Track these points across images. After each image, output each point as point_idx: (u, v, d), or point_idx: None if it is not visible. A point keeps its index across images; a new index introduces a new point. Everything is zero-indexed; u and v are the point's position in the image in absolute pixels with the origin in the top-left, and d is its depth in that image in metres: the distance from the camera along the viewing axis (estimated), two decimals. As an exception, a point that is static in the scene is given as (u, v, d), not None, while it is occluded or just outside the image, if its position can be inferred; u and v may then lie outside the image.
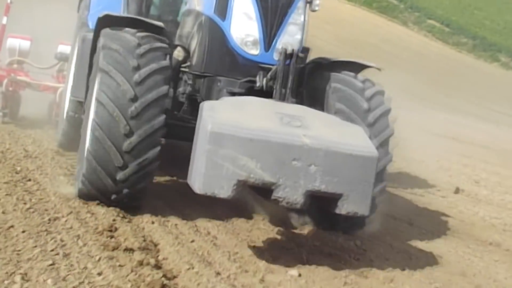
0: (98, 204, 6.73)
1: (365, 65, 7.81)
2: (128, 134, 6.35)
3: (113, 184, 6.49)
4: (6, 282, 4.56)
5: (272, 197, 5.59)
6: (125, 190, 6.54)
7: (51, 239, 5.57)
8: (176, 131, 7.01)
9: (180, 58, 7.47)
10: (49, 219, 6.13)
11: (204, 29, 7.28)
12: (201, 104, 5.95)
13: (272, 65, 6.85)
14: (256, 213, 7.53)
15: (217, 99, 6.69)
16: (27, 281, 4.63)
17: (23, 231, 5.66)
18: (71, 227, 6.00)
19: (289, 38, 7.01)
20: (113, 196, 6.59)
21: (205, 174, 5.47)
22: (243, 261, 5.97)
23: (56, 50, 11.98)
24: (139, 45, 6.63)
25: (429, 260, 7.02)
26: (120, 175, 6.43)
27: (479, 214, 10.25)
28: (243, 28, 7.02)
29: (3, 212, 6.16)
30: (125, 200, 6.62)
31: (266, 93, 6.71)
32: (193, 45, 7.47)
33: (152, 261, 5.37)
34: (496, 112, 33.49)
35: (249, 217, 7.41)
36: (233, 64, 7.12)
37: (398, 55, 41.05)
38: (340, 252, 6.67)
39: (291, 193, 5.56)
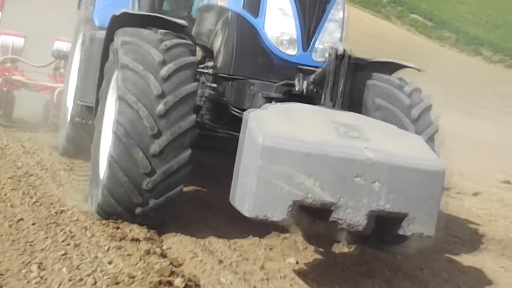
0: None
1: (404, 66, 7.31)
2: (156, 135, 5.74)
3: (138, 195, 5.85)
4: (23, 271, 4.82)
5: (331, 219, 5.00)
6: (152, 202, 5.92)
7: (61, 231, 5.83)
8: (197, 139, 6.08)
9: (198, 58, 6.68)
10: (56, 212, 6.39)
11: (231, 27, 6.59)
12: (245, 114, 5.36)
13: (311, 66, 6.34)
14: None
15: (250, 105, 6.29)
16: (43, 270, 4.89)
17: (33, 224, 5.92)
18: (77, 219, 6.25)
19: (328, 36, 6.44)
20: (138, 210, 5.96)
21: (256, 195, 4.85)
22: (243, 250, 6.25)
23: (52, 48, 11.36)
24: (162, 40, 6.10)
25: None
26: (146, 183, 5.80)
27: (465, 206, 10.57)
28: (279, 25, 6.39)
29: (11, 206, 6.42)
30: (151, 213, 6.00)
31: (305, 98, 6.22)
32: (217, 44, 6.79)
33: (158, 250, 5.63)
34: (479, 106, 33.93)
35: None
36: (268, 65, 6.47)
37: (381, 50, 41.32)
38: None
39: (353, 214, 4.97)
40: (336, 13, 6.50)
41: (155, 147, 5.75)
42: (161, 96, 5.77)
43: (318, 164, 4.90)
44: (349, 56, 5.98)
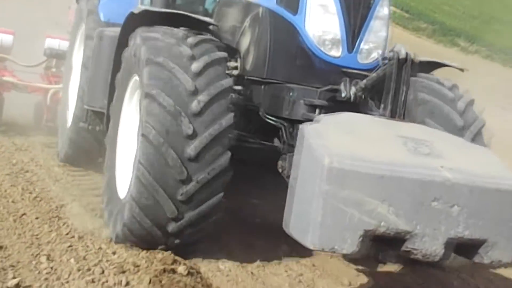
0: (97, 190, 7.26)
1: (446, 65, 6.77)
2: (192, 136, 5.14)
3: (172, 206, 5.23)
4: (33, 262, 5.04)
5: (404, 249, 4.46)
6: (188, 214, 5.31)
7: (63, 224, 6.05)
8: None
9: None
10: (56, 206, 6.61)
11: (263, 25, 5.93)
12: (300, 128, 4.73)
13: (356, 69, 5.74)
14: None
15: (290, 113, 5.74)
16: (52, 261, 5.11)
17: (36, 218, 6.13)
18: (78, 213, 6.47)
19: (374, 36, 5.81)
20: (172, 226, 5.36)
21: (322, 224, 4.26)
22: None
23: (43, 45, 10.69)
24: (187, 36, 5.56)
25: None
26: (182, 192, 5.18)
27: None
28: (321, 24, 5.72)
29: (12, 201, 6.61)
30: (187, 230, 5.41)
31: (352, 105, 5.62)
32: (244, 43, 6.13)
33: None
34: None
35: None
36: (309, 68, 5.80)
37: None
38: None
39: (430, 243, 4.41)
40: (381, 10, 5.86)
41: (190, 150, 5.12)
42: (194, 92, 5.21)
43: (392, 187, 4.33)
44: (412, 61, 5.41)
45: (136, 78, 5.73)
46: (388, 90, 5.38)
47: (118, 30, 6.53)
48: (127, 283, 4.81)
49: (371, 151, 4.49)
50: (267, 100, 5.93)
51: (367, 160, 4.37)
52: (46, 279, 4.73)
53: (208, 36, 5.73)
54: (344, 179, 4.26)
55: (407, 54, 5.39)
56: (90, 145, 7.67)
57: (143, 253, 5.48)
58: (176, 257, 5.41)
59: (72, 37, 8.89)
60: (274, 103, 5.89)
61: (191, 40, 5.46)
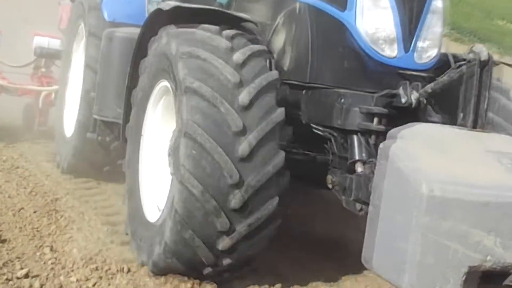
0: (88, 183, 7.54)
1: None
2: (242, 132, 4.50)
3: (225, 217, 4.51)
4: (38, 253, 5.29)
5: (507, 283, 3.94)
6: (242, 224, 4.56)
7: (61, 217, 6.30)
8: None
9: None
10: (51, 200, 6.84)
11: (302, 22, 5.26)
12: (381, 149, 4.25)
13: (414, 70, 5.12)
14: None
15: (343, 122, 5.01)
16: (55, 251, 5.36)
17: (34, 211, 6.36)
18: (73, 206, 6.73)
19: (430, 32, 5.22)
20: (207, 270, 4.75)
21: (422, 263, 3.75)
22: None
23: (32, 44, 10.08)
24: (219, 30, 4.97)
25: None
26: (235, 196, 4.48)
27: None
28: (374, 20, 5.12)
29: (9, 197, 6.84)
30: (235, 260, 4.71)
31: (411, 111, 4.95)
32: (278, 43, 5.47)
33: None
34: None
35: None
36: (362, 71, 5.19)
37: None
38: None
39: None
40: (435, 3, 5.28)
41: (242, 149, 4.47)
42: (240, 84, 4.59)
43: (499, 215, 3.79)
44: (494, 63, 4.79)
45: (163, 83, 5.16)
46: (469, 97, 4.72)
47: (130, 31, 6.29)
48: (129, 270, 5.10)
49: (469, 173, 3.96)
50: (312, 107, 5.29)
51: (469, 185, 3.83)
52: (52, 268, 4.97)
53: (256, 46, 4.97)
54: (446, 209, 3.74)
55: (489, 55, 4.74)
56: (98, 155, 7.17)
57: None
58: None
59: (69, 35, 8.36)
60: (321, 111, 5.21)
61: (236, 58, 4.73)
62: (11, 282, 4.60)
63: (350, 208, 4.85)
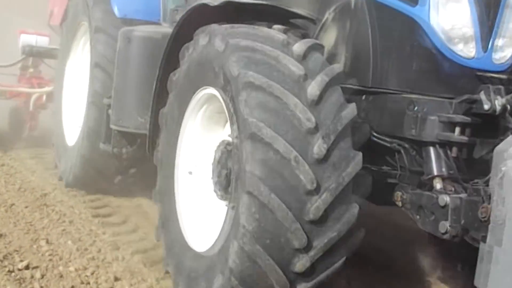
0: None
1: None
2: (315, 191, 3.81)
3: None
4: (34, 246, 5.50)
5: None
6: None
7: (52, 211, 6.52)
8: None
9: None
10: (41, 195, 7.07)
11: (360, 18, 4.56)
12: (505, 172, 3.70)
13: (493, 72, 4.49)
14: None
15: (419, 132, 4.35)
16: (51, 244, 5.58)
17: (26, 207, 6.58)
18: (62, 200, 6.96)
19: (507, 29, 4.59)
20: None
21: None
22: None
23: (19, 43, 9.55)
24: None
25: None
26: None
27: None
28: (450, 16, 4.48)
29: (-1, 194, 7.07)
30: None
31: (491, 119, 4.34)
32: (328, 42, 4.72)
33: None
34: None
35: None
36: (437, 73, 4.51)
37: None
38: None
39: None
40: None
41: (313, 210, 3.81)
42: (315, 129, 3.87)
43: None
44: None
45: (208, 91, 4.55)
46: None
47: (150, 29, 5.89)
48: (123, 258, 5.36)
49: None
50: (376, 115, 4.56)
51: None
52: (50, 260, 5.20)
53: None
54: None
55: None
56: (108, 164, 6.59)
57: (130, 229, 6.10)
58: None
59: (67, 33, 7.78)
60: (386, 119, 4.53)
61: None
62: (13, 274, 4.81)
63: (429, 229, 4.25)
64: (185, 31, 4.88)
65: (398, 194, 4.47)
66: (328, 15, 4.80)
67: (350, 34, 4.62)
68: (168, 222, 4.90)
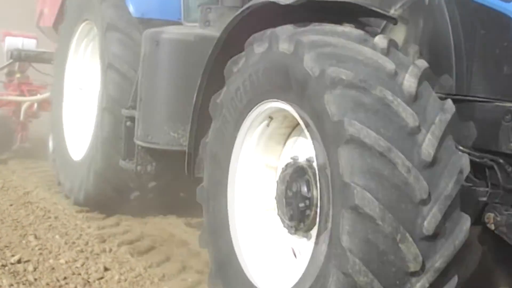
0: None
1: None
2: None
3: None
4: (24, 241, 5.71)
5: None
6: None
7: (37, 208, 6.74)
8: None
9: None
10: (23, 193, 7.30)
11: (438, 15, 4.04)
12: None
13: None
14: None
15: None
16: (39, 239, 5.79)
17: (11, 205, 6.80)
18: (44, 197, 7.18)
19: None
20: None
21: None
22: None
23: (4, 46, 9.04)
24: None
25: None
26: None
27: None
28: None
29: (-18, 194, 7.26)
30: None
31: None
32: (399, 40, 4.04)
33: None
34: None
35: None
36: None
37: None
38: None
39: None
40: None
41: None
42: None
43: None
44: None
45: (272, 104, 3.92)
46: None
47: (181, 31, 5.28)
48: (111, 249, 5.60)
49: None
50: (461, 127, 3.91)
51: None
52: (40, 254, 5.41)
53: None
54: None
55: None
56: (124, 179, 5.99)
57: (113, 223, 6.39)
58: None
59: (64, 35, 7.12)
60: (476, 131, 3.91)
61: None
62: (7, 268, 5.02)
63: None
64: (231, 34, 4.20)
65: (490, 215, 3.84)
66: (394, 11, 4.25)
67: (424, 33, 4.11)
68: (222, 248, 4.15)
